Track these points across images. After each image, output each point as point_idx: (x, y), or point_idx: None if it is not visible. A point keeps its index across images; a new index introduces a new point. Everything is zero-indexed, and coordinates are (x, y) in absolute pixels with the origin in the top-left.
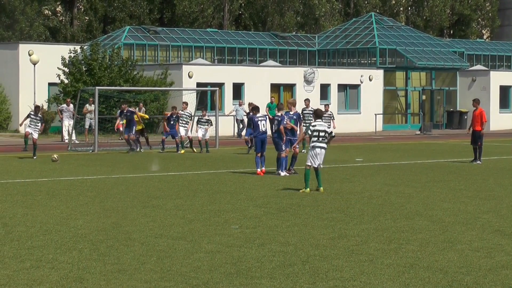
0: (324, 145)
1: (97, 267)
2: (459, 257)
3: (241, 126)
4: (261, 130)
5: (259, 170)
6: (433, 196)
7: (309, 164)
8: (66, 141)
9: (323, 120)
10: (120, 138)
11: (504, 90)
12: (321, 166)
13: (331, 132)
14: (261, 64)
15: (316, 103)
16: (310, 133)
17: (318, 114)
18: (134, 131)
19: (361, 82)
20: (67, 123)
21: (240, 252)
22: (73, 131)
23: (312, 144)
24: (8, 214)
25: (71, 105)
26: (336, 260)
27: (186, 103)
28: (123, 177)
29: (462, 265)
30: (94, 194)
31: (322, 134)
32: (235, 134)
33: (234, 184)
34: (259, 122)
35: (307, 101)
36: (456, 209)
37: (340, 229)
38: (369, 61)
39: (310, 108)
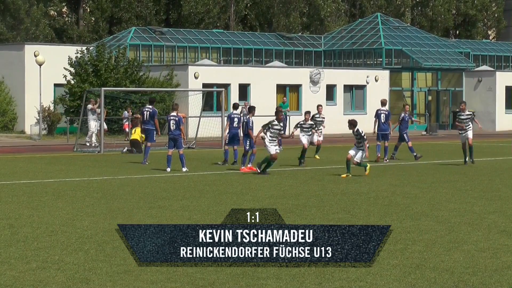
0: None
1: (103, 268)
2: (465, 258)
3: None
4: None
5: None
6: (439, 197)
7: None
8: (89, 143)
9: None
10: (126, 139)
11: (510, 90)
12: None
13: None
14: (267, 64)
15: (322, 103)
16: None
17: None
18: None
19: (367, 83)
20: (93, 124)
21: None
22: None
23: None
24: (14, 215)
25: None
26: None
27: (321, 105)
28: (129, 178)
29: (468, 266)
30: (100, 195)
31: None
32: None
33: (240, 185)
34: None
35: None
36: (462, 210)
37: None
38: (375, 62)
39: (467, 112)
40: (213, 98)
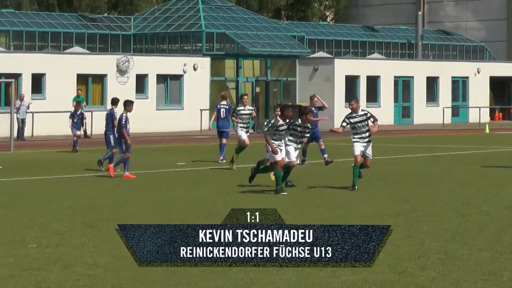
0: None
1: None
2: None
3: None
4: None
5: None
6: (269, 205)
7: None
8: None
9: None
10: None
11: (350, 81)
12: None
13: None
14: (66, 51)
15: (131, 97)
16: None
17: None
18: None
19: (184, 72)
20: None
21: (38, 276)
22: None
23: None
24: None
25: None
26: (154, 284)
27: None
28: None
29: None
30: None
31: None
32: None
33: (33, 194)
34: None
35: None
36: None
37: None
38: (194, 47)
39: (361, 113)
40: (1, 90)
